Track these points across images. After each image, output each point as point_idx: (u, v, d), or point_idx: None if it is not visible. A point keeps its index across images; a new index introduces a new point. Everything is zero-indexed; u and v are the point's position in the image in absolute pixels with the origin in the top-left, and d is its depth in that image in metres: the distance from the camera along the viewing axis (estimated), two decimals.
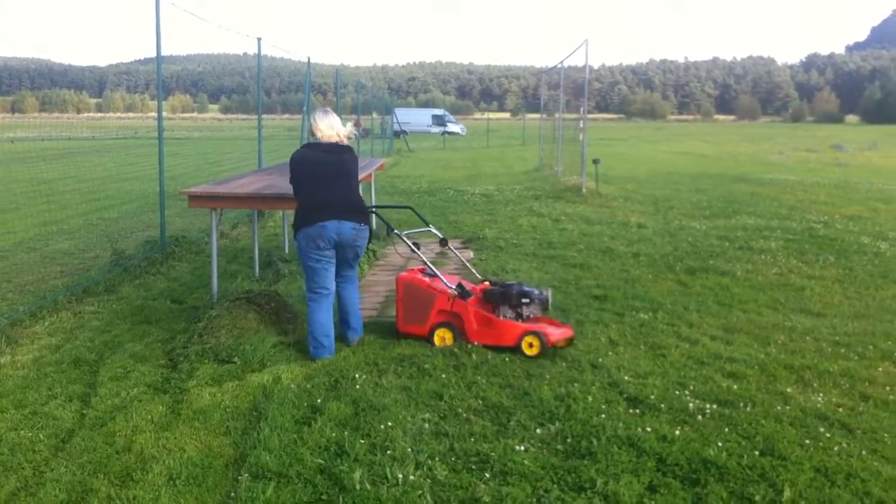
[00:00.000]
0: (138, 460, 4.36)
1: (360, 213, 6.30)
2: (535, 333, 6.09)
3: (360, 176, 8.04)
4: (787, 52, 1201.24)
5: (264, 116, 15.06)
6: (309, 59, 18.00)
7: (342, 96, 27.56)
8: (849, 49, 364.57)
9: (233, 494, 3.99)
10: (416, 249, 6.77)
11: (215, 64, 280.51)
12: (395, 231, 6.80)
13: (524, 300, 6.35)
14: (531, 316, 6.40)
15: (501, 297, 6.41)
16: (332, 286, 6.36)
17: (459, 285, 6.51)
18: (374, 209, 7.24)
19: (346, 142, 6.47)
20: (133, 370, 5.85)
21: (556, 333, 6.22)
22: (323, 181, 6.22)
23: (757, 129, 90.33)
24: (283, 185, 7.97)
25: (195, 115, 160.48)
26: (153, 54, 10.14)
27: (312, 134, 6.41)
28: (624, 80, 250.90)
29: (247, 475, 4.15)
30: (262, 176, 9.02)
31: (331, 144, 6.33)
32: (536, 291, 6.43)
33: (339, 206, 6.18)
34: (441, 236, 7.12)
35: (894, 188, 19.82)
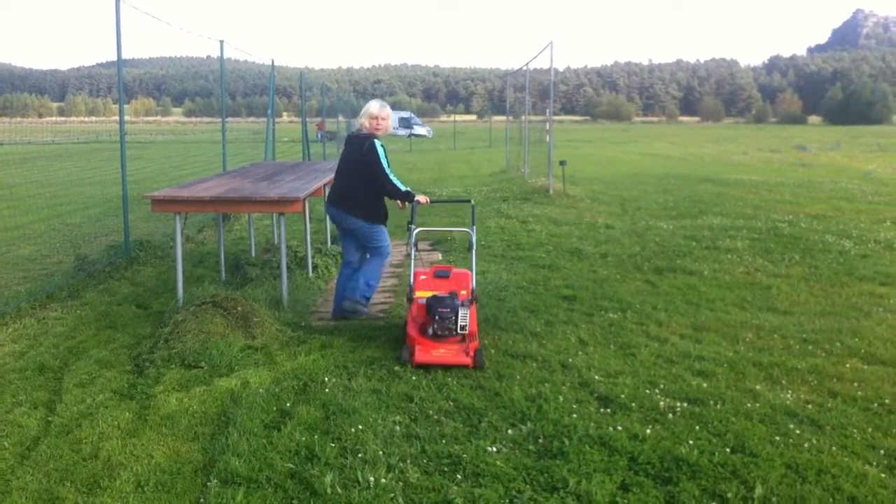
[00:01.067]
0: (105, 467, 4.29)
1: (345, 201, 6.99)
2: (405, 347, 5.94)
3: (319, 183, 8.17)
4: (750, 54, 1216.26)
5: (229, 119, 14.99)
6: (273, 61, 17.92)
7: (307, 99, 27.45)
8: (810, 51, 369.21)
9: (202, 500, 3.94)
10: (414, 248, 6.88)
11: (178, 67, 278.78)
12: (411, 225, 6.99)
13: (432, 314, 6.03)
14: (439, 333, 5.95)
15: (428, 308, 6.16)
16: (353, 259, 7.31)
17: (409, 288, 6.44)
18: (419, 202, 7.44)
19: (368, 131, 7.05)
20: (99, 376, 5.76)
21: (432, 355, 5.86)
22: (339, 169, 7.25)
23: (721, 131, 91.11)
24: (248, 189, 7.91)
25: (158, 118, 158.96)
26: (115, 57, 10.02)
27: None
28: (589, 83, 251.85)
29: (216, 481, 4.09)
30: (227, 179, 8.93)
31: (353, 135, 7.15)
32: (448, 310, 5.96)
33: (335, 192, 7.17)
34: (472, 240, 6.86)
35: (857, 187, 20.04)
